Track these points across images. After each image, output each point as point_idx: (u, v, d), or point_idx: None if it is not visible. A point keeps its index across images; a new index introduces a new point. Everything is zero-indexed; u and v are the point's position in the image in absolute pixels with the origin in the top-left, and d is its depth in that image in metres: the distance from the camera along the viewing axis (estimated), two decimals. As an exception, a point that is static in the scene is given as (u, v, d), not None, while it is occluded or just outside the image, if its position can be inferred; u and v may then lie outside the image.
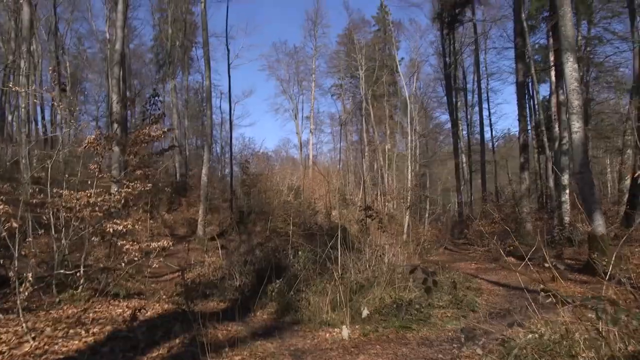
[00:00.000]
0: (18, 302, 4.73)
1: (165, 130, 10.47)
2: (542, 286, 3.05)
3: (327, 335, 5.89)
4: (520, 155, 18.53)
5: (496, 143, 30.62)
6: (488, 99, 29.92)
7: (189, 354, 4.58)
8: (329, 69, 42.66)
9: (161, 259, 7.82)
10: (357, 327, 6.05)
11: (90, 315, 5.37)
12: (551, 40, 18.21)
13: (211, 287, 9.07)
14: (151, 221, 16.16)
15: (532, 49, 19.27)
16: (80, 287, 6.40)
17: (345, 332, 5.57)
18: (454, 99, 29.11)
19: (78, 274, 6.44)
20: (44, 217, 6.66)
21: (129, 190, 7.81)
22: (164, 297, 7.63)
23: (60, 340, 4.45)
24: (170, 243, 8.11)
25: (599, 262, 8.56)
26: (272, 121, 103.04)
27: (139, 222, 8.09)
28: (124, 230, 7.29)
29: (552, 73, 18.01)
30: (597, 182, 19.87)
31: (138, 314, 5.62)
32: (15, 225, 5.25)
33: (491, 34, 28.56)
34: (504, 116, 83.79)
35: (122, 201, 7.75)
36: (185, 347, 4.78)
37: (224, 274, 9.58)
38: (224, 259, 10.80)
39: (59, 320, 5.05)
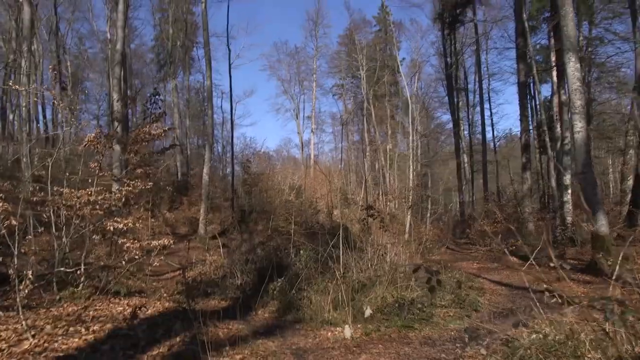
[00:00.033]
0: (18, 299, 4.70)
1: (166, 129, 10.45)
2: (546, 286, 3.02)
3: (329, 334, 5.86)
4: (522, 155, 18.51)
5: (498, 143, 30.63)
6: (489, 99, 29.90)
7: (190, 352, 4.55)
8: (330, 69, 42.77)
9: (162, 257, 7.80)
10: (359, 326, 6.01)
11: (91, 313, 5.34)
12: (552, 41, 18.19)
13: (212, 286, 9.03)
14: (152, 220, 16.14)
15: (533, 49, 19.24)
16: (81, 284, 6.37)
17: (347, 331, 5.54)
18: (455, 99, 29.04)
19: (79, 272, 6.42)
20: (44, 215, 6.63)
21: (130, 188, 7.78)
22: (165, 295, 7.60)
23: (60, 338, 4.42)
24: (171, 241, 8.10)
25: (604, 262, 8.54)
26: (273, 121, 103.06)
27: (140, 221, 8.05)
28: (125, 228, 7.27)
29: (554, 73, 17.97)
30: (599, 182, 19.80)
31: (139, 312, 5.60)
32: (14, 222, 5.22)
33: (492, 35, 28.61)
34: (505, 116, 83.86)
35: (123, 199, 7.73)
36: (186, 346, 4.74)
37: (226, 273, 9.54)
38: (226, 257, 10.76)
39: (59, 317, 5.02)
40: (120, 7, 13.73)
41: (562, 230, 14.00)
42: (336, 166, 35.79)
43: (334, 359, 4.92)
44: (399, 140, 35.87)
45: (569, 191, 15.35)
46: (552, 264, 3.18)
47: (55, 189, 6.87)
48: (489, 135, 29.02)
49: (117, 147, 10.75)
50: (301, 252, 8.89)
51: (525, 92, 20.08)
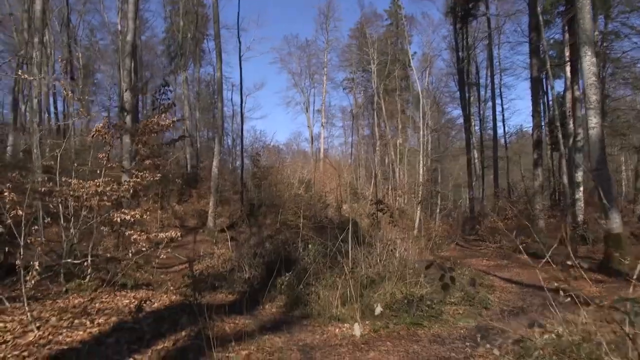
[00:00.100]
0: (23, 290, 4.66)
1: (175, 120, 10.39)
2: (561, 285, 2.91)
3: (337, 330, 5.79)
4: (533, 151, 18.24)
5: (509, 139, 30.36)
6: (501, 95, 29.59)
7: (195, 347, 4.49)
8: (340, 62, 42.61)
9: (170, 249, 7.77)
10: (367, 322, 5.94)
11: (97, 305, 5.30)
12: (566, 35, 17.90)
13: (220, 279, 9.01)
14: (161, 212, 16.16)
15: (547, 43, 18.93)
16: (88, 276, 6.34)
17: (357, 329, 5.42)
18: (466, 94, 28.74)
19: (86, 264, 6.39)
20: (51, 206, 6.61)
21: (138, 180, 7.73)
22: (171, 288, 7.58)
23: (64, 330, 4.38)
24: (179, 234, 8.06)
25: (622, 260, 8.36)
26: (284, 114, 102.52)
27: (148, 213, 7.99)
28: (132, 220, 7.22)
29: (567, 68, 17.70)
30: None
31: (144, 305, 5.55)
32: (20, 212, 5.18)
33: (505, 29, 28.15)
34: (517, 112, 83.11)
35: (131, 191, 7.68)
36: (192, 340, 4.69)
37: (233, 266, 9.52)
38: (234, 251, 10.74)
39: (64, 309, 4.98)
40: (131, -2, 13.64)
41: (574, 228, 13.82)
42: (346, 160, 35.77)
43: (341, 357, 4.84)
44: (409, 135, 35.73)
45: (581, 189, 15.14)
46: (568, 262, 3.07)
47: (63, 179, 6.84)
48: (500, 131, 28.70)
49: (127, 140, 10.73)
50: (310, 246, 8.84)
51: (538, 88, 19.80)
